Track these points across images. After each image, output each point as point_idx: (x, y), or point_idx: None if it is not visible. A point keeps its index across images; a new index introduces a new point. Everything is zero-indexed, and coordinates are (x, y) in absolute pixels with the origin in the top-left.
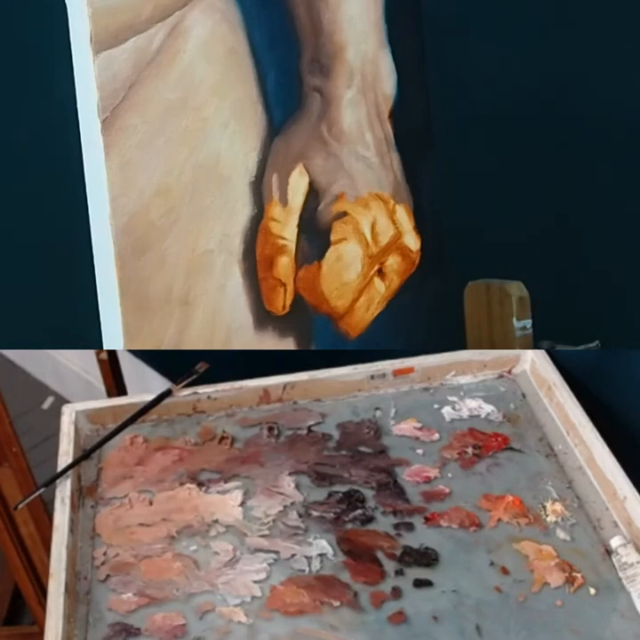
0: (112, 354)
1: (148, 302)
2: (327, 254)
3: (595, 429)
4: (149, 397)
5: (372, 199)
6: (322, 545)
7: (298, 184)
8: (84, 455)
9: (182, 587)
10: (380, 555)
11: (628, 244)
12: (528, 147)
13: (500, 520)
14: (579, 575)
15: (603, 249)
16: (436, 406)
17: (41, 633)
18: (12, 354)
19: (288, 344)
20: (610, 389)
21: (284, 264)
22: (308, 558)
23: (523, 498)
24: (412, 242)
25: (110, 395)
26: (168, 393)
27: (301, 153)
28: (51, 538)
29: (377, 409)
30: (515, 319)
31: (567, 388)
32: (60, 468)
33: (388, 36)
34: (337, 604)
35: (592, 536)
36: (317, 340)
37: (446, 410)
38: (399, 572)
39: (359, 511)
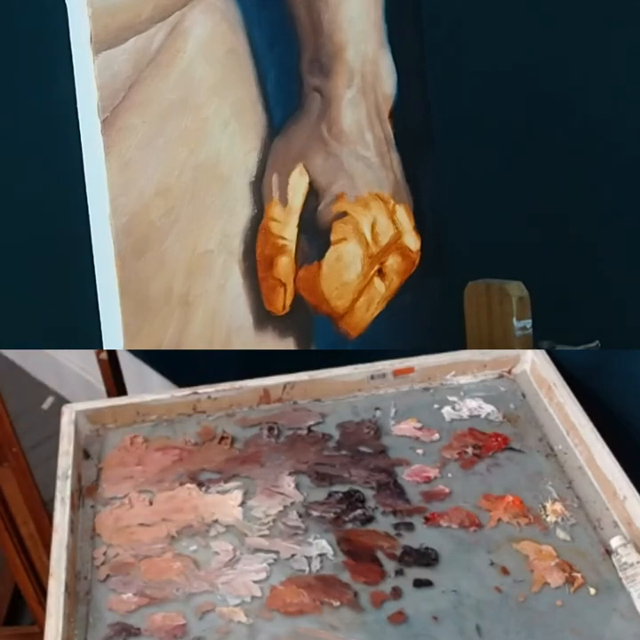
0: (112, 354)
1: (148, 302)
2: (327, 254)
3: (595, 429)
4: (149, 397)
5: (372, 199)
6: (322, 545)
7: (298, 184)
8: None
9: (182, 587)
10: (380, 555)
11: (628, 244)
12: (528, 147)
13: (500, 520)
14: (579, 575)
15: (603, 249)
16: (436, 406)
17: (41, 633)
18: (12, 354)
19: (288, 344)
20: (610, 389)
21: (284, 264)
22: (308, 558)
23: (523, 498)
24: (412, 242)
25: (110, 395)
26: None
27: (301, 153)
28: (51, 538)
29: (377, 409)
30: (515, 319)
31: (567, 388)
32: (60, 469)
33: (388, 35)
34: (337, 603)
35: (592, 536)
36: (317, 340)
37: (446, 410)
38: (399, 572)
39: (359, 511)
